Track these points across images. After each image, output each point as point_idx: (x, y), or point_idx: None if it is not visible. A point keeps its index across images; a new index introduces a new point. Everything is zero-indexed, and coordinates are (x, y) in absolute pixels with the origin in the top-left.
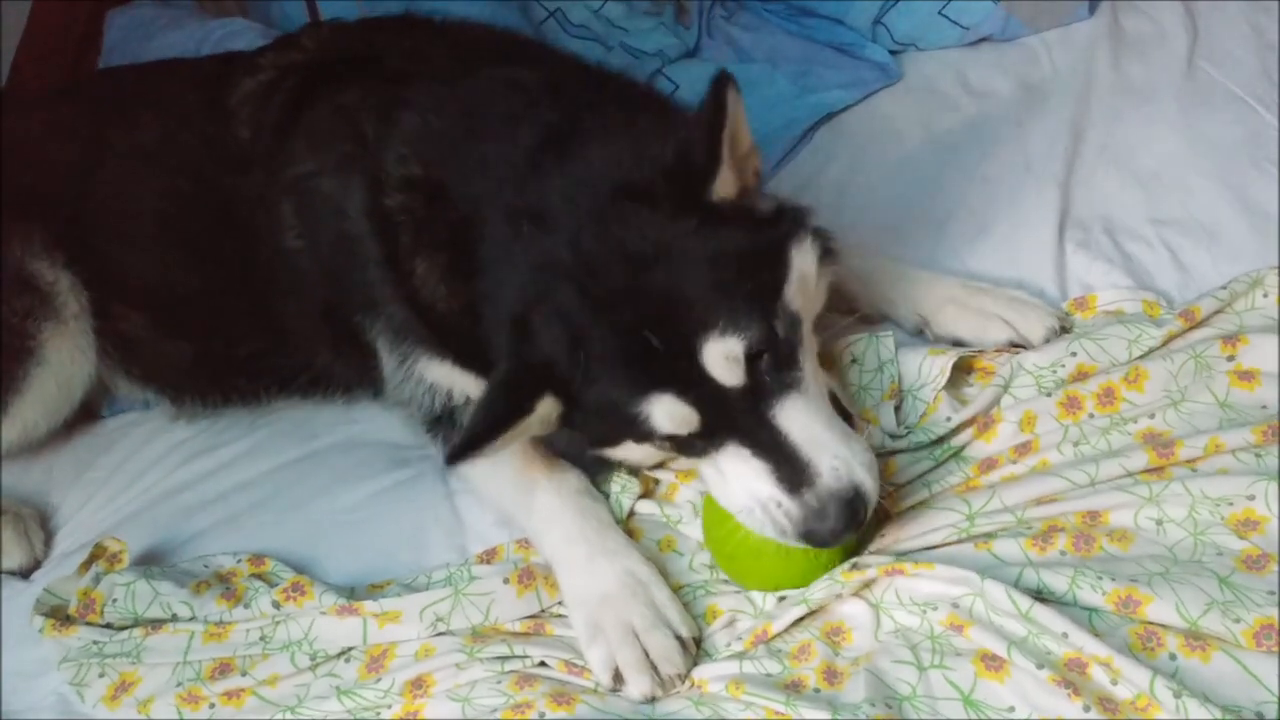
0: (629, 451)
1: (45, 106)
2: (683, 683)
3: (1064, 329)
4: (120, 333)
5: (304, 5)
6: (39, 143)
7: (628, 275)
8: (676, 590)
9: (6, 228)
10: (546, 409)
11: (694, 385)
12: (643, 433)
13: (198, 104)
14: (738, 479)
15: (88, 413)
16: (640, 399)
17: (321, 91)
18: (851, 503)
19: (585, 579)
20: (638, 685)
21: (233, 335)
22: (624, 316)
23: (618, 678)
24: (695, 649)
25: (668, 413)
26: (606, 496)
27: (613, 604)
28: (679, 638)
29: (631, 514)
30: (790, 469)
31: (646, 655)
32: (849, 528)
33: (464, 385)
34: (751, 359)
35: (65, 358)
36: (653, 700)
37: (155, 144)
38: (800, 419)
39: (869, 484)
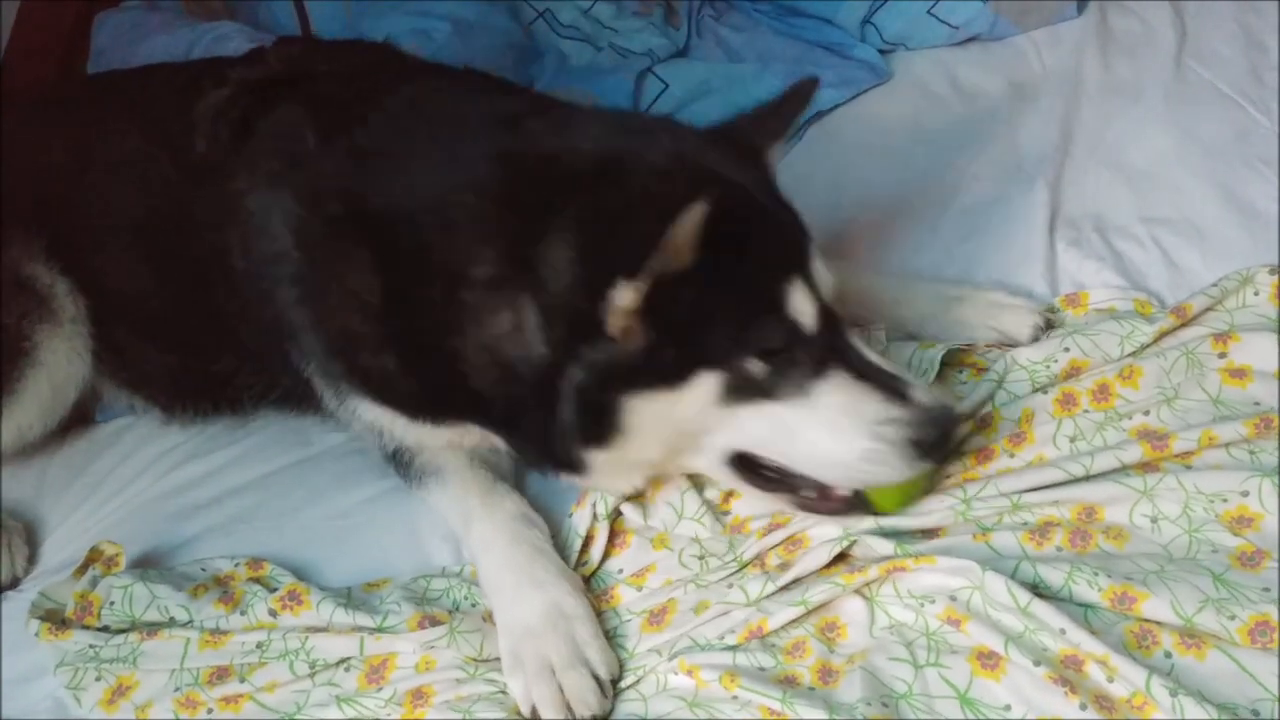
0: (694, 395)
1: (43, 109)
2: None
3: (1050, 325)
4: (112, 340)
5: (291, 7)
6: (36, 146)
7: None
8: (665, 585)
9: (6, 230)
10: (692, 221)
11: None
12: (769, 323)
13: (170, 114)
14: (844, 411)
15: (81, 417)
16: (785, 277)
17: (263, 111)
18: (949, 418)
19: (512, 608)
20: None
21: (207, 352)
22: (774, 202)
23: (535, 713)
24: (612, 690)
25: (805, 297)
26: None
27: (534, 638)
28: (597, 677)
29: (619, 514)
30: (889, 390)
31: (562, 692)
32: (950, 440)
33: (407, 430)
34: None
35: (60, 360)
36: None
37: (132, 154)
38: (866, 349)
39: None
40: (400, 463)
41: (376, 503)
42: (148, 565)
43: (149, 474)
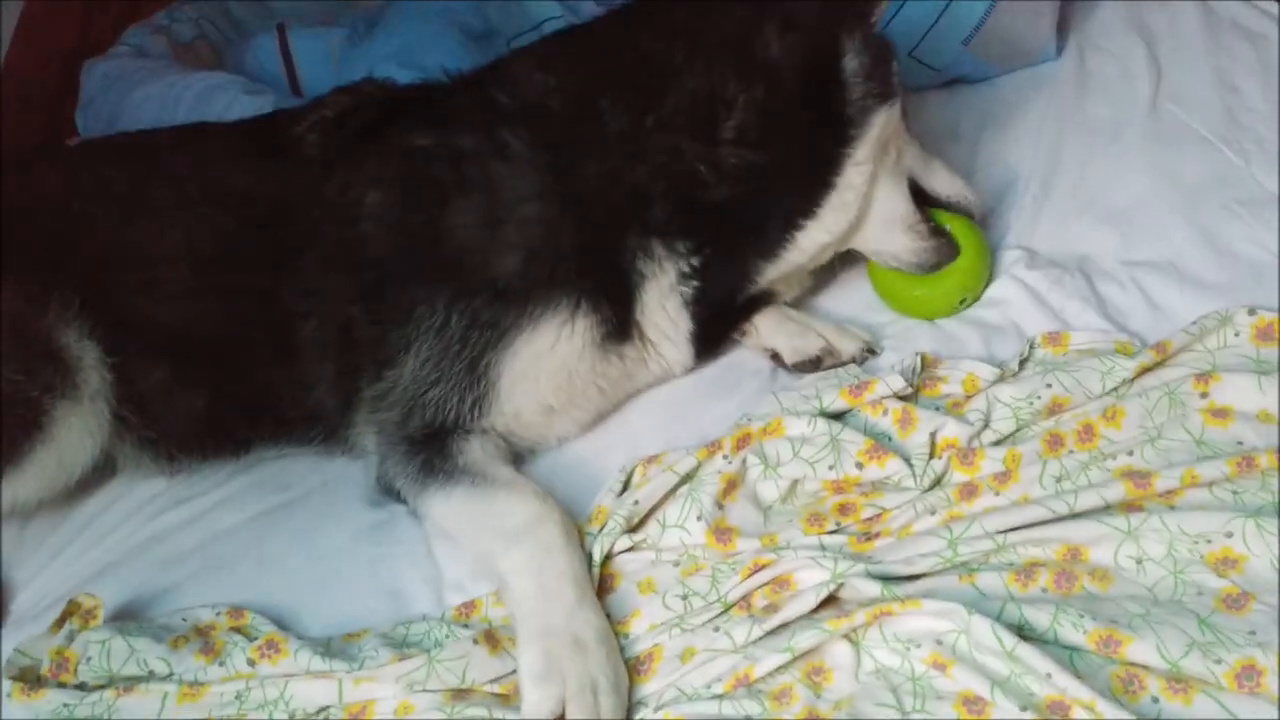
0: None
1: (73, 164)
2: None
3: (871, 351)
4: (139, 394)
5: (278, 56)
6: (67, 201)
7: None
8: (650, 630)
9: (41, 293)
10: None
11: None
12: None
13: (250, 143)
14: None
15: None
16: None
17: (415, 106)
18: None
19: (565, 619)
20: None
21: (248, 370)
22: None
23: None
24: None
25: None
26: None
27: (585, 654)
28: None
29: (610, 556)
30: None
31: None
32: None
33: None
34: None
35: (73, 437)
36: None
37: (199, 189)
38: None
39: None
40: (433, 454)
41: (358, 541)
42: (130, 614)
43: (132, 521)
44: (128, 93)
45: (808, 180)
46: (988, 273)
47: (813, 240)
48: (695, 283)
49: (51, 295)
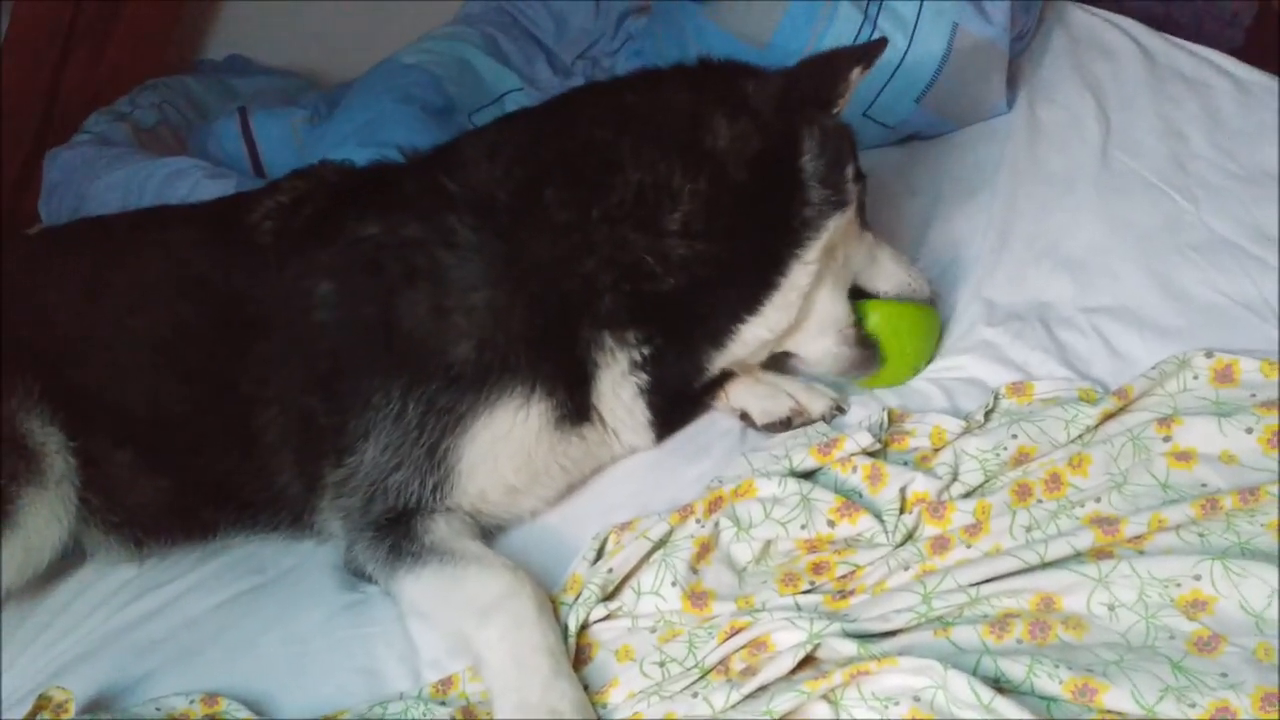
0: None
1: (32, 252)
2: None
3: (840, 409)
4: (103, 478)
5: (240, 138)
6: (30, 289)
7: None
8: (629, 699)
9: (3, 381)
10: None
11: None
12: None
13: (206, 231)
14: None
15: None
16: None
17: (366, 193)
18: None
19: (541, 692)
20: None
21: (210, 456)
22: None
23: None
24: None
25: None
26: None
27: None
28: None
29: (586, 625)
30: None
31: None
32: None
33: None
34: None
35: (40, 524)
36: None
37: (158, 275)
38: None
39: None
40: (400, 538)
41: (332, 622)
42: (102, 705)
43: (102, 609)
44: (91, 181)
45: (754, 276)
46: (936, 345)
47: (754, 336)
48: (646, 373)
49: (13, 382)
